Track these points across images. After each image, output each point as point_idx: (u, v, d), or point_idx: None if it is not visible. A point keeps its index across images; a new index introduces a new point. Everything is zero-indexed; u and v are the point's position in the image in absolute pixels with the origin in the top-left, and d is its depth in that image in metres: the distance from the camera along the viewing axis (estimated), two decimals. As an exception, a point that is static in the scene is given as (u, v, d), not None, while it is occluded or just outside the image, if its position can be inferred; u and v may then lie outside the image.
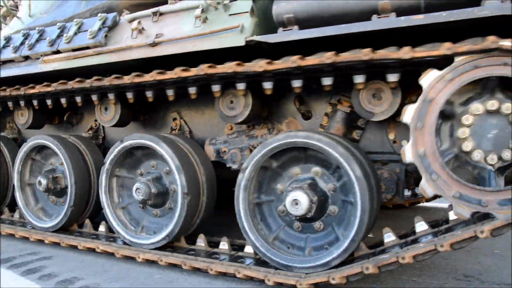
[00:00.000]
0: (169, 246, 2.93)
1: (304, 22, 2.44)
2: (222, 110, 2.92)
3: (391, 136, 2.73)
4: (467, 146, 2.11)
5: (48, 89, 3.27)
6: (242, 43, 2.50)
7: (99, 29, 3.08)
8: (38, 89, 3.33)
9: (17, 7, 4.24)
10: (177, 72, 2.73)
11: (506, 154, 2.04)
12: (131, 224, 3.10)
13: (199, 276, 2.67)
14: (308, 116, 2.99)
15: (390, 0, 2.23)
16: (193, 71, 2.65)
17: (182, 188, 2.78)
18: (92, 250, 3.11)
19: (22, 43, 3.45)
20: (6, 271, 2.81)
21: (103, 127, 3.82)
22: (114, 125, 3.35)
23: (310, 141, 2.40)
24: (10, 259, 3.06)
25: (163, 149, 2.84)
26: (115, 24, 3.13)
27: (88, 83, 3.07)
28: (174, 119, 3.48)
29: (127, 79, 2.90)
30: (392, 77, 2.32)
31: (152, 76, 2.82)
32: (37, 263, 2.94)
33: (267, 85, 2.63)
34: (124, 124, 3.44)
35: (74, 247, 3.19)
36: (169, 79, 2.77)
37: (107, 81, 2.98)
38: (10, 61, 3.51)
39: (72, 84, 3.14)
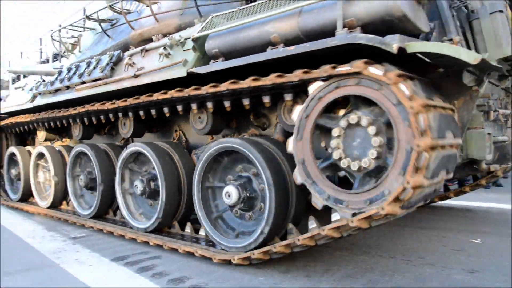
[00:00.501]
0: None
1: (227, 55, 2.99)
2: (194, 124, 3.58)
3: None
4: (337, 155, 2.48)
5: (151, 98, 3.52)
6: (184, 74, 3.14)
7: (107, 64, 3.97)
8: (142, 99, 3.58)
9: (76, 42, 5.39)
10: (156, 95, 3.46)
11: (365, 161, 2.37)
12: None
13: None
14: (264, 127, 3.50)
15: (279, 34, 2.68)
16: (155, 96, 3.37)
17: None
18: (191, 254, 3.20)
19: (65, 76, 4.52)
20: (123, 267, 2.98)
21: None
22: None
23: (230, 145, 2.94)
24: (125, 257, 3.23)
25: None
26: (119, 60, 3.99)
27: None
28: (176, 130, 4.23)
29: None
30: (266, 99, 2.79)
31: (142, 99, 3.59)
32: (148, 262, 3.10)
33: (209, 105, 3.24)
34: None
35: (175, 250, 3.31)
36: (145, 101, 3.53)
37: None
38: (59, 89, 4.60)
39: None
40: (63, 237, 3.99)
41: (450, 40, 2.53)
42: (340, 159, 2.46)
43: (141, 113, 3.92)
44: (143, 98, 3.53)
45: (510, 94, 3.78)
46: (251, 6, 2.89)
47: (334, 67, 2.37)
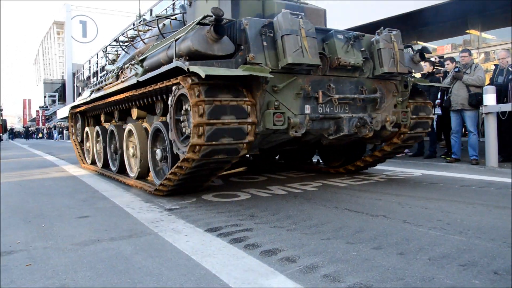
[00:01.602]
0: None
1: (151, 69, 5.00)
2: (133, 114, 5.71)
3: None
4: (185, 129, 4.36)
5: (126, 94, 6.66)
6: (135, 82, 5.23)
7: (115, 73, 6.26)
8: (123, 95, 6.74)
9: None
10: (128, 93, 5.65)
11: (188, 130, 4.21)
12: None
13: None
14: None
15: (163, 59, 4.61)
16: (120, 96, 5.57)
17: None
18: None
19: (103, 79, 6.98)
20: (216, 238, 3.06)
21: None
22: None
23: (156, 126, 4.99)
24: (218, 229, 3.33)
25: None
26: (122, 70, 6.25)
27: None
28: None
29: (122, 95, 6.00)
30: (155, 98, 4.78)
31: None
32: (241, 234, 3.17)
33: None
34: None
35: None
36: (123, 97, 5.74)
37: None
38: (99, 88, 7.10)
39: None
40: (159, 208, 4.19)
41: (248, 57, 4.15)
42: (185, 131, 4.34)
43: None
44: (122, 95, 5.77)
45: (374, 80, 5.07)
46: (159, 42, 4.86)
47: (176, 79, 4.22)
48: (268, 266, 2.45)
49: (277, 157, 8.52)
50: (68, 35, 54.78)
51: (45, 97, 60.26)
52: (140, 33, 6.82)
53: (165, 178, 4.66)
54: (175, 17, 6.00)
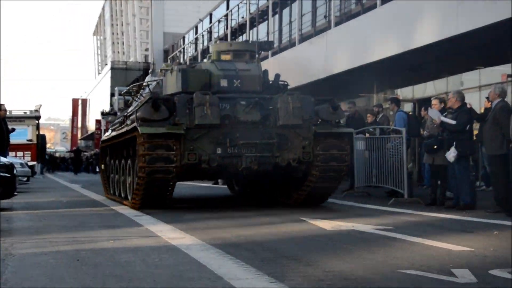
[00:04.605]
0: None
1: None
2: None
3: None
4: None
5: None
6: (117, 133, 8.04)
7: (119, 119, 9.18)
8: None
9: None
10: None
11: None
12: None
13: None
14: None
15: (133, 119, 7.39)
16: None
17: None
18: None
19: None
20: None
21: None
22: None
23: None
24: None
25: None
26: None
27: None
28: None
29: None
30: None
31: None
32: None
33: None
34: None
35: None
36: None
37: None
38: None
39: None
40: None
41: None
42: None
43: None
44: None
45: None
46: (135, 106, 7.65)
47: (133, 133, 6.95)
48: None
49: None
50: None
51: (112, 95, 28.29)
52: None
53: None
54: (159, 82, 8.74)
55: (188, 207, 8.83)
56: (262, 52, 12.20)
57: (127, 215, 6.94)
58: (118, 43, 58.79)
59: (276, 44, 18.29)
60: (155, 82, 9.02)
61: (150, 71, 10.49)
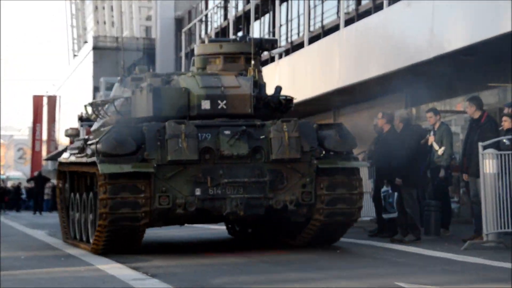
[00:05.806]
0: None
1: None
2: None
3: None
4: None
5: None
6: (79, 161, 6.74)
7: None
8: None
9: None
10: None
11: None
12: None
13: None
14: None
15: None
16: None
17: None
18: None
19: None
20: None
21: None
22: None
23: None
24: None
25: None
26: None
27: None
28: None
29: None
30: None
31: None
32: None
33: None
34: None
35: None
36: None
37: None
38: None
39: None
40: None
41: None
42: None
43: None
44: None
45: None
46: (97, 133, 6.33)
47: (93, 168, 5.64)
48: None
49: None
50: None
51: (96, 90, 23.11)
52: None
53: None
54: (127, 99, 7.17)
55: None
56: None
57: (121, 279, 4.28)
58: (104, 8, 39.14)
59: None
60: (123, 99, 7.22)
61: (119, 78, 8.25)
